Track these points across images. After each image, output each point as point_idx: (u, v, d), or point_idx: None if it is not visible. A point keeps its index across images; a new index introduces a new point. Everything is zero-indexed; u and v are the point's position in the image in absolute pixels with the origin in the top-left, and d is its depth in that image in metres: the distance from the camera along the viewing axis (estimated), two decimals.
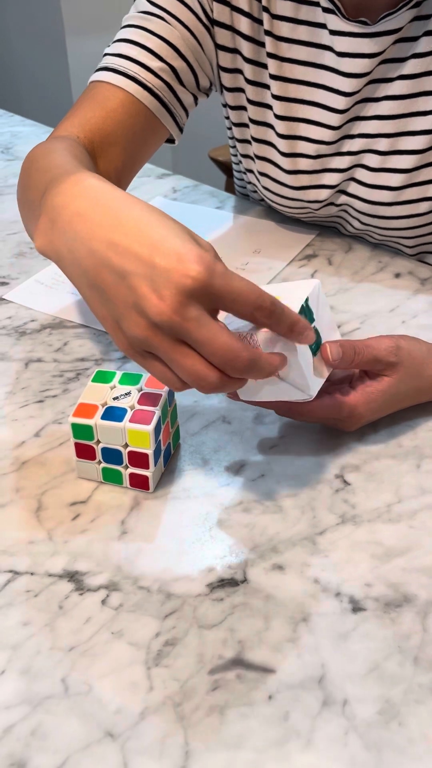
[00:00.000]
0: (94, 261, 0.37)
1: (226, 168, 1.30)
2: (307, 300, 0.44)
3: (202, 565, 0.43)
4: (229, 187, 1.25)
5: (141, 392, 0.47)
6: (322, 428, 0.53)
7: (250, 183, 0.77)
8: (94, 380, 0.48)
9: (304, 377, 0.43)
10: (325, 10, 0.60)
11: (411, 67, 0.60)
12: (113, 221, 0.37)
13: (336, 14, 0.60)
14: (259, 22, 0.64)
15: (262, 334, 0.42)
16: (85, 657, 0.39)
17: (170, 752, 0.35)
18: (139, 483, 0.47)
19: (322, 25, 0.61)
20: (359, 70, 0.61)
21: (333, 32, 0.61)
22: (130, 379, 0.48)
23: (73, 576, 0.43)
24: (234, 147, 0.77)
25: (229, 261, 0.73)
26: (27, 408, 0.55)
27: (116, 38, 0.63)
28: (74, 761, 0.34)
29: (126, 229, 0.37)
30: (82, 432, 0.46)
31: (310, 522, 0.46)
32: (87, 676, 0.38)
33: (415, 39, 0.59)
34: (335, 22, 0.60)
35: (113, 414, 0.46)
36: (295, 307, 0.43)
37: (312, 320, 0.44)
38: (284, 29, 0.63)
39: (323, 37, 0.62)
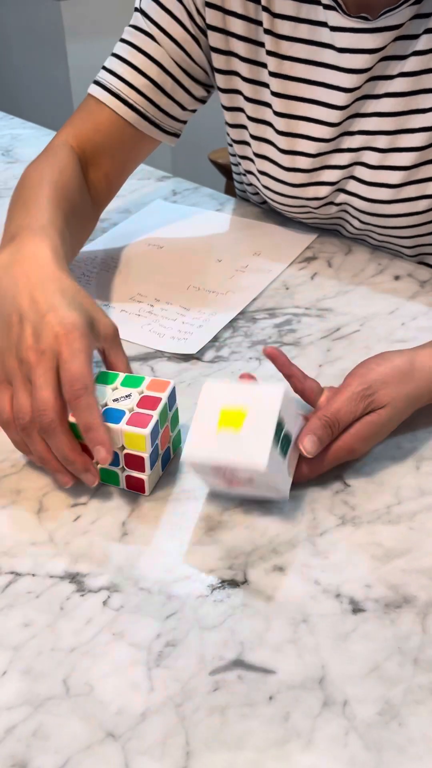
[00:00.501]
0: (12, 307, 0.48)
1: (225, 170, 1.31)
2: (279, 413, 0.43)
3: (203, 567, 0.43)
4: (229, 190, 1.25)
5: (141, 395, 0.47)
6: None
7: (250, 185, 0.78)
8: (96, 381, 0.48)
9: (277, 484, 0.44)
10: (326, 7, 0.61)
11: (411, 64, 0.61)
12: (35, 286, 0.49)
13: (337, 10, 0.61)
14: (256, 22, 0.65)
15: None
16: (86, 658, 0.39)
17: (171, 752, 0.35)
18: (136, 485, 0.47)
19: (323, 23, 0.62)
20: (360, 66, 0.62)
21: (334, 28, 0.61)
22: (132, 381, 0.48)
23: (74, 577, 0.43)
24: (232, 147, 0.77)
25: (229, 263, 0.73)
26: None
27: (112, 52, 0.69)
28: (75, 762, 0.35)
29: (42, 294, 0.48)
30: (78, 432, 0.46)
31: (310, 523, 0.46)
32: (88, 676, 0.38)
33: (415, 37, 0.60)
34: (336, 18, 0.61)
35: (112, 415, 0.46)
36: (269, 424, 0.42)
37: (282, 427, 0.43)
38: (285, 28, 0.64)
39: (323, 35, 0.63)
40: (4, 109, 1.25)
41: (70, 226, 0.59)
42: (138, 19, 0.67)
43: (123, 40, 0.68)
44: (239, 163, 0.77)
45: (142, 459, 0.46)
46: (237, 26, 0.65)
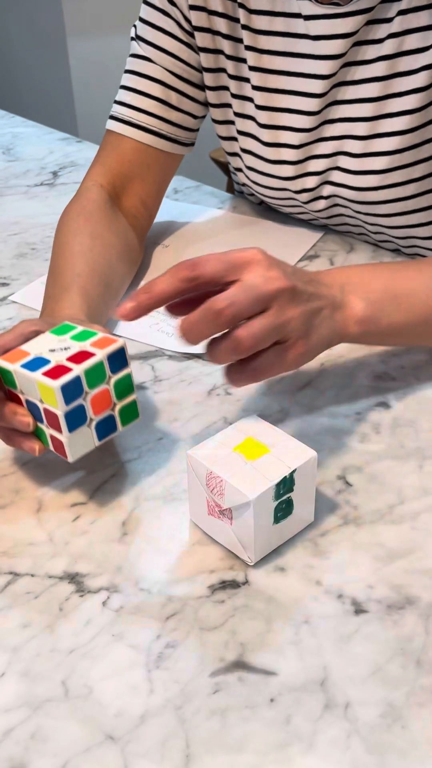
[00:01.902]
0: None
1: (226, 169, 1.30)
2: (293, 472, 0.42)
3: (203, 567, 0.43)
4: (231, 188, 1.25)
5: (80, 350, 0.44)
6: (324, 429, 0.53)
7: (244, 185, 0.78)
8: (53, 331, 0.46)
9: (251, 539, 0.41)
10: None
11: (388, 47, 0.61)
12: None
13: (309, 0, 0.62)
14: (235, 19, 0.67)
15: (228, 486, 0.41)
16: (85, 659, 0.38)
17: (171, 755, 0.34)
18: (58, 448, 0.44)
19: (297, 15, 0.63)
20: (334, 52, 0.63)
21: (307, 17, 0.63)
22: (83, 335, 0.45)
23: (73, 578, 0.43)
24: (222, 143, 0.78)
25: None
26: None
27: (120, 84, 0.72)
28: (74, 764, 0.34)
29: None
30: (6, 377, 0.44)
31: (312, 523, 0.45)
32: (87, 678, 0.38)
33: (389, 20, 0.61)
34: (309, 7, 0.62)
35: (34, 364, 0.43)
36: (279, 473, 0.41)
37: (290, 491, 0.42)
38: (262, 22, 0.65)
39: (299, 26, 0.64)
40: (4, 107, 1.25)
41: (104, 276, 0.61)
42: (135, 47, 0.70)
43: (126, 71, 0.71)
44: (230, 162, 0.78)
45: (56, 416, 0.42)
46: (221, 25, 0.67)
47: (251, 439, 0.43)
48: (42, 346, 0.45)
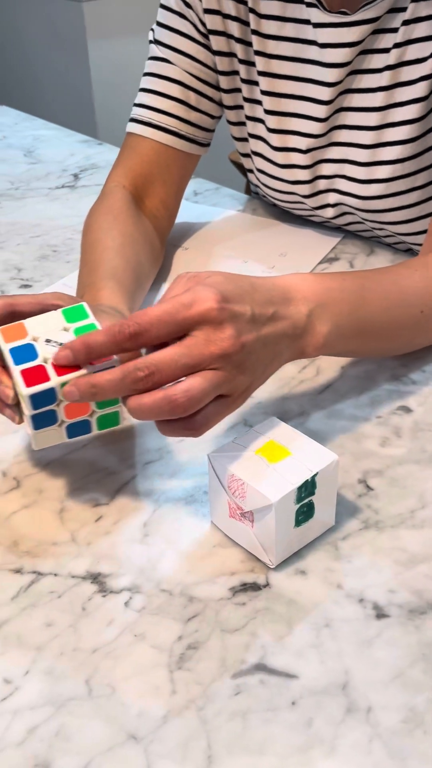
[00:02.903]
0: None
1: (244, 170, 1.30)
2: (315, 475, 0.42)
3: (224, 569, 0.43)
4: (249, 189, 1.25)
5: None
6: (345, 432, 0.53)
7: (256, 185, 0.79)
8: (65, 311, 0.44)
9: (273, 542, 0.41)
10: (309, 5, 0.63)
11: (394, 57, 0.62)
12: None
13: (318, 8, 0.63)
14: (246, 23, 0.67)
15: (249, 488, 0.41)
16: (108, 659, 0.39)
17: (193, 756, 0.35)
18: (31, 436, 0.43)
19: (307, 21, 0.64)
20: (340, 60, 0.63)
21: (316, 25, 0.63)
22: (84, 330, 0.43)
23: (96, 578, 0.43)
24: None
25: (255, 264, 0.73)
26: None
27: (139, 87, 0.73)
28: (97, 764, 0.35)
29: None
30: None
31: (333, 527, 0.45)
32: (110, 678, 0.38)
33: (395, 30, 0.61)
34: (317, 15, 0.63)
35: (22, 352, 0.42)
36: (301, 476, 0.41)
37: (312, 494, 0.42)
38: (272, 27, 0.66)
39: (308, 32, 0.64)
40: (26, 110, 1.26)
41: (136, 271, 0.62)
42: (153, 50, 0.71)
43: (144, 74, 0.72)
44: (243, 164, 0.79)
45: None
46: (234, 28, 0.68)
47: (273, 442, 0.44)
48: (43, 328, 0.43)
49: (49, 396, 0.42)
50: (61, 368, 0.42)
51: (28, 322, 0.44)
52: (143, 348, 0.42)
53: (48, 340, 0.43)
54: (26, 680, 0.38)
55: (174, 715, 0.36)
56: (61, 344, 0.43)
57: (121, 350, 0.41)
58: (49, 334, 0.43)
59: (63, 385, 0.41)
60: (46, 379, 0.41)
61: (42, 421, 0.43)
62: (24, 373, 0.42)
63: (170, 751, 0.35)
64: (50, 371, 0.42)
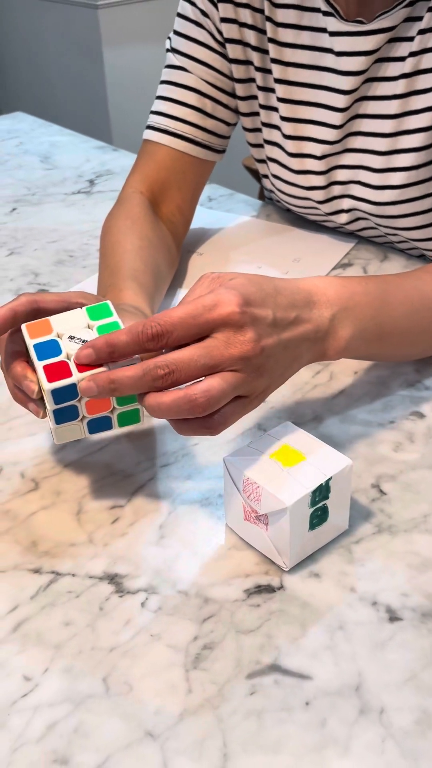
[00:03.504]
0: None
1: (258, 176, 1.31)
2: (329, 480, 0.42)
3: (239, 571, 0.44)
4: (262, 195, 1.26)
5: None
6: (358, 437, 0.53)
7: (271, 191, 0.80)
8: (89, 309, 0.45)
9: (287, 545, 0.42)
10: (325, 13, 0.64)
11: (409, 66, 0.62)
12: None
13: (334, 16, 0.64)
14: (263, 32, 0.68)
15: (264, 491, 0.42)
16: (125, 658, 0.40)
17: (209, 754, 0.35)
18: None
19: (323, 29, 0.65)
20: (356, 68, 0.64)
21: (332, 33, 0.64)
22: (109, 329, 0.44)
23: (113, 578, 0.44)
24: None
25: (270, 268, 0.74)
26: None
27: (156, 95, 0.74)
28: (116, 760, 0.35)
29: None
30: (25, 345, 0.44)
31: (347, 531, 0.46)
32: (127, 676, 0.39)
33: (411, 39, 0.62)
34: (334, 23, 0.64)
35: (46, 348, 0.43)
36: (316, 480, 0.42)
37: (326, 498, 0.42)
38: (288, 36, 0.67)
39: (324, 40, 0.65)
40: (42, 116, 1.27)
41: (155, 274, 0.63)
42: (170, 58, 0.72)
43: (161, 82, 0.73)
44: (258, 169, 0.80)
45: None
46: (250, 37, 0.69)
47: (287, 447, 0.44)
48: (68, 324, 0.44)
49: (70, 391, 0.42)
50: (83, 366, 0.43)
51: (53, 319, 0.45)
52: (165, 348, 0.42)
53: (71, 337, 0.44)
54: (45, 678, 0.39)
55: (190, 713, 0.37)
56: (84, 341, 0.43)
57: (143, 350, 0.42)
58: (73, 330, 0.44)
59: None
60: (69, 375, 0.42)
61: (63, 415, 0.44)
62: (47, 368, 0.43)
63: (186, 748, 0.36)
64: (73, 367, 0.43)
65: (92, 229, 0.85)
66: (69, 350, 0.43)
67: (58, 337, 0.44)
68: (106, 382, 0.41)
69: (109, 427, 0.46)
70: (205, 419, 0.41)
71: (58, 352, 0.43)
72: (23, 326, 0.45)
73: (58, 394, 0.42)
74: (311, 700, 0.37)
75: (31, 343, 0.44)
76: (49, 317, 0.45)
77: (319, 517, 0.43)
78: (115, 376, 0.41)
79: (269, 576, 0.44)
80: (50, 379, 0.42)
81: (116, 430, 0.45)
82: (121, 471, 0.51)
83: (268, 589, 0.43)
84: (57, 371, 0.42)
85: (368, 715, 0.37)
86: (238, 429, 0.54)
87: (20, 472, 0.52)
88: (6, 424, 0.56)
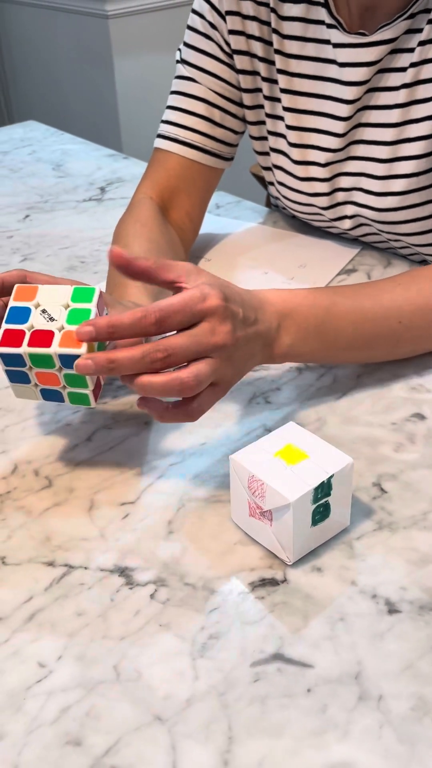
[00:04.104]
0: None
1: (265, 183, 1.33)
2: (331, 477, 0.44)
3: (244, 565, 0.46)
4: (269, 202, 1.28)
5: (62, 331, 0.46)
6: (360, 438, 0.55)
7: (277, 198, 0.82)
8: (76, 290, 0.47)
9: (290, 541, 0.44)
10: (329, 26, 0.66)
11: (410, 76, 0.64)
12: None
13: (338, 29, 0.66)
14: (269, 43, 0.71)
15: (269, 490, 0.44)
16: (135, 646, 0.41)
17: (215, 737, 0.37)
18: None
19: (327, 41, 0.67)
20: (358, 78, 0.66)
21: (336, 45, 0.66)
22: (80, 316, 0.46)
23: (123, 571, 0.46)
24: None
25: (276, 274, 0.76)
26: (79, 413, 0.59)
27: (166, 105, 0.77)
28: (126, 742, 0.37)
29: None
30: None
31: (348, 527, 0.48)
32: (137, 663, 0.41)
33: (411, 50, 0.64)
34: (337, 35, 0.66)
35: (18, 313, 0.46)
36: (318, 477, 0.43)
37: (328, 495, 0.44)
38: (294, 47, 0.69)
39: (328, 51, 0.68)
40: (54, 124, 1.30)
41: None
42: (180, 69, 0.75)
43: (171, 92, 0.76)
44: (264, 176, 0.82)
45: None
46: (257, 48, 0.71)
47: (291, 446, 0.46)
48: (50, 298, 0.47)
49: (17, 360, 0.46)
50: (40, 337, 0.46)
51: (42, 289, 0.48)
52: (163, 334, 0.46)
53: (44, 311, 0.47)
54: (59, 664, 0.41)
55: (197, 699, 0.39)
56: (52, 319, 0.46)
57: (143, 334, 0.45)
58: (50, 306, 0.47)
59: (30, 355, 0.46)
60: (19, 344, 0.46)
61: (16, 377, 0.48)
62: (6, 332, 0.46)
63: (193, 732, 0.37)
64: (26, 339, 0.46)
65: (103, 235, 0.87)
66: (35, 321, 0.46)
67: (35, 307, 0.47)
68: (104, 362, 0.44)
69: (61, 400, 0.49)
70: (186, 407, 0.47)
71: (25, 320, 0.47)
72: (16, 286, 0.48)
73: (7, 359, 0.46)
74: (312, 688, 0.39)
75: (10, 304, 0.47)
76: (40, 285, 0.48)
77: (321, 513, 0.45)
78: (115, 357, 0.44)
79: (273, 570, 0.45)
80: (2, 344, 0.46)
81: (69, 406, 0.50)
82: (132, 469, 0.53)
83: (272, 583, 0.45)
84: (13, 338, 0.46)
85: (367, 701, 0.38)
86: (244, 429, 0.56)
87: (34, 470, 0.54)
88: (20, 424, 0.58)
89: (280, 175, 0.77)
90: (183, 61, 0.74)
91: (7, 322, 0.47)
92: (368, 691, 0.39)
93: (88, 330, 0.44)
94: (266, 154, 0.78)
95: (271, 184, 0.80)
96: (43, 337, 0.46)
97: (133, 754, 0.37)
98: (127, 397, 0.60)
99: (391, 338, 0.58)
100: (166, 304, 0.45)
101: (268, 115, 0.74)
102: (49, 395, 0.49)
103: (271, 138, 0.76)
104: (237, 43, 0.71)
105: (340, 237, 0.81)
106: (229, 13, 0.70)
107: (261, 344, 0.51)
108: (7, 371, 0.48)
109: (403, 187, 0.68)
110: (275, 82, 0.72)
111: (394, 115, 0.66)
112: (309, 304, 0.54)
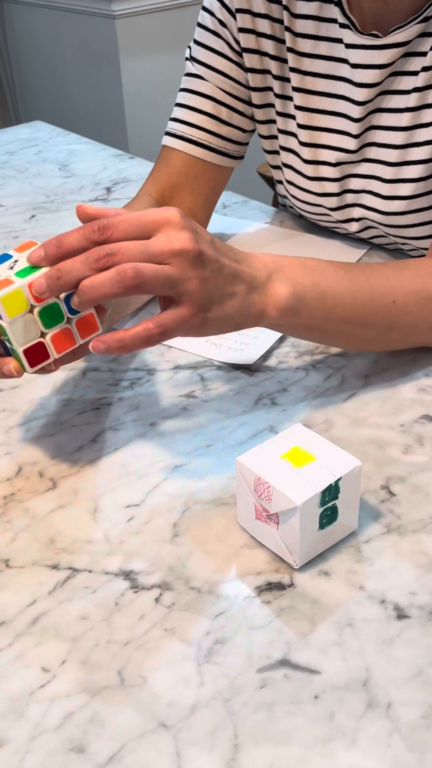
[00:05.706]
0: None
1: (273, 183, 1.33)
2: (339, 480, 0.43)
3: (251, 569, 0.45)
4: (276, 202, 1.27)
5: (25, 280, 0.46)
6: (368, 440, 0.54)
7: (285, 197, 0.81)
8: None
9: (297, 543, 0.43)
10: (342, 25, 0.65)
11: (422, 80, 0.64)
12: None
13: (351, 29, 0.65)
14: (281, 41, 0.70)
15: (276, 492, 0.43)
16: (139, 651, 0.41)
17: (220, 744, 0.36)
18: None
19: (340, 40, 0.66)
20: (370, 80, 0.65)
21: (348, 45, 0.65)
22: (27, 269, 0.46)
23: (128, 575, 0.45)
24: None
25: None
26: (84, 415, 0.58)
27: (175, 102, 0.76)
28: (130, 749, 0.37)
29: None
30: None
31: (356, 530, 0.47)
32: (141, 669, 0.40)
33: (424, 54, 0.63)
34: (350, 36, 0.65)
35: (3, 259, 0.47)
36: (325, 480, 0.43)
37: (335, 498, 0.44)
38: (306, 45, 0.68)
39: (340, 50, 0.67)
40: (60, 124, 1.30)
41: None
42: (189, 67, 0.74)
43: (180, 89, 0.75)
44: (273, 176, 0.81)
45: None
46: (268, 46, 0.71)
47: (298, 448, 0.45)
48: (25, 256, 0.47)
49: None
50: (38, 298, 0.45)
51: (38, 246, 0.47)
52: (110, 242, 0.44)
53: (16, 261, 0.47)
54: (63, 669, 0.40)
55: (202, 705, 0.38)
56: (10, 267, 0.46)
57: (89, 243, 0.44)
58: (23, 258, 0.47)
59: None
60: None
61: None
62: None
63: (198, 738, 0.37)
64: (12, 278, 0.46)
65: None
66: (2, 270, 0.46)
67: (18, 258, 0.47)
68: (53, 272, 0.44)
69: (8, 353, 0.48)
70: (145, 324, 0.45)
71: (1, 262, 0.47)
72: (28, 241, 0.48)
73: None
74: (320, 694, 0.38)
75: (10, 252, 0.48)
76: (39, 243, 0.47)
77: (328, 516, 0.44)
78: (60, 265, 0.44)
79: (280, 574, 0.45)
80: None
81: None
82: (137, 471, 0.53)
83: (279, 587, 0.44)
84: None
85: (375, 709, 0.38)
86: (250, 431, 0.56)
87: (39, 472, 0.53)
88: (25, 425, 0.58)
89: (289, 174, 0.76)
90: (192, 59, 0.74)
91: None
92: (377, 698, 0.38)
93: (38, 252, 0.45)
94: (275, 152, 0.77)
95: (280, 182, 0.80)
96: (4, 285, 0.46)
97: (137, 761, 0.36)
98: (132, 399, 0.60)
99: (386, 318, 0.57)
100: (112, 213, 0.44)
101: (279, 114, 0.74)
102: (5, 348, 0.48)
103: (281, 137, 0.75)
104: (247, 41, 0.71)
105: (348, 237, 0.80)
106: (239, 10, 0.70)
107: (245, 288, 0.49)
108: None
109: (410, 192, 0.67)
110: (287, 80, 0.71)
111: (404, 119, 0.66)
112: (301, 264, 0.53)
